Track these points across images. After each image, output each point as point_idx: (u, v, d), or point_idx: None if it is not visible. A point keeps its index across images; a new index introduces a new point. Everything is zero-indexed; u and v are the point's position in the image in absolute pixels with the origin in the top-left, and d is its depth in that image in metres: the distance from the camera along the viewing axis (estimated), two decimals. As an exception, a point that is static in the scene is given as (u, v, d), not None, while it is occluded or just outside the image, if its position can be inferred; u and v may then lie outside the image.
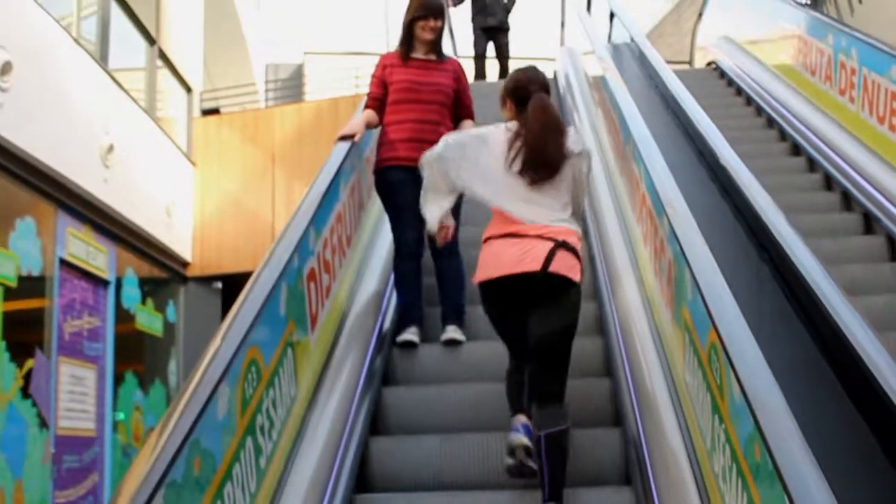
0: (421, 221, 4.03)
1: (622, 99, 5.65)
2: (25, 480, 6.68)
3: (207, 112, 12.28)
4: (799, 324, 3.58)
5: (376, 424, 4.22)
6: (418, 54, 4.85)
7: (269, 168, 11.38)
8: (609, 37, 11.44)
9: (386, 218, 5.11)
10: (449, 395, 4.32)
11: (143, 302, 9.68)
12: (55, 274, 7.50)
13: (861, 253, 5.45)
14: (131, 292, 9.34)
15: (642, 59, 8.53)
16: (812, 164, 6.89)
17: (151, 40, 10.50)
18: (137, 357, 9.60)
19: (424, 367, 4.67)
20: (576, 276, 3.46)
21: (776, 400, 2.38)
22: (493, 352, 4.33)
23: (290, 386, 3.41)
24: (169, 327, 10.46)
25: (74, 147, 7.87)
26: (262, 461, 2.97)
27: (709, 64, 10.70)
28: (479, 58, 11.37)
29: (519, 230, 3.49)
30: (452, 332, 4.69)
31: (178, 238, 10.66)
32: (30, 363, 6.98)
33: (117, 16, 9.42)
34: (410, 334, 4.70)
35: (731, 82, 9.54)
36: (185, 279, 11.04)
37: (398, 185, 4.68)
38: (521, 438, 3.51)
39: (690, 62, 12.60)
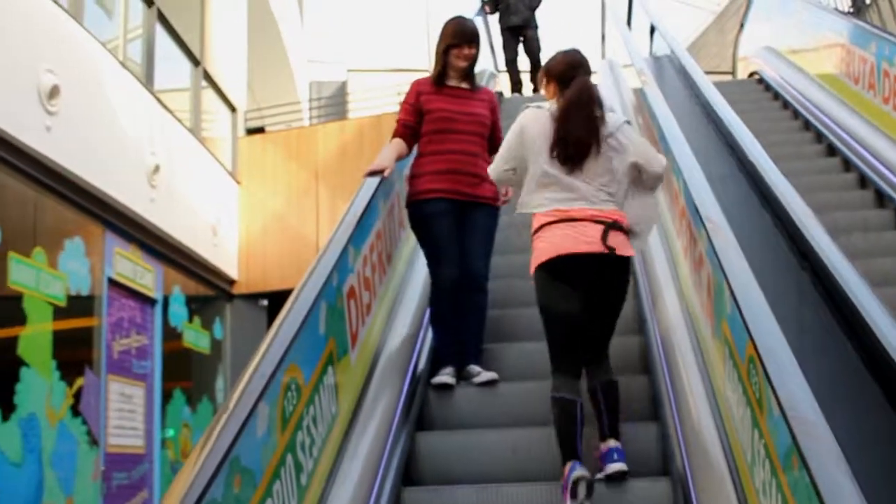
0: (462, 256, 4.13)
1: (660, 111, 5.64)
2: (76, 497, 6.78)
3: (252, 131, 12.43)
4: (841, 334, 3.55)
5: (409, 471, 3.99)
6: (452, 82, 4.69)
7: (312, 185, 11.48)
8: (650, 49, 11.41)
9: (419, 253, 4.96)
10: (486, 441, 4.06)
11: (190, 320, 9.79)
12: (103, 293, 7.62)
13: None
14: (178, 310, 9.45)
15: (683, 72, 8.50)
16: (862, 179, 6.70)
17: (196, 61, 10.65)
18: (185, 374, 9.71)
19: (460, 410, 4.39)
20: (629, 252, 3.69)
21: (813, 413, 2.37)
22: (529, 394, 4.23)
23: (331, 403, 3.44)
24: (216, 345, 10.57)
25: (121, 168, 8.00)
26: (303, 478, 3.00)
27: (751, 74, 10.62)
28: (511, 63, 11.28)
29: (571, 215, 3.64)
30: (485, 373, 4.44)
31: (224, 256, 10.77)
32: (79, 381, 7.09)
33: (162, 38, 9.57)
34: (446, 376, 4.43)
35: (773, 92, 9.46)
36: (231, 297, 11.15)
37: (438, 218, 4.50)
38: (582, 472, 3.39)
39: (733, 73, 12.51)
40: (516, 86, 11.24)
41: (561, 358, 3.66)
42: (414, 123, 4.63)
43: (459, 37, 4.63)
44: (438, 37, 4.68)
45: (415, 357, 4.57)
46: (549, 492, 3.63)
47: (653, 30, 11.28)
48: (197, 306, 10.09)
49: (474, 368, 4.48)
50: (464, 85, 4.70)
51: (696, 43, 20.91)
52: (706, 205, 3.99)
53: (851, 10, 10.81)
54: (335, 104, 18.97)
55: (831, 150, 7.47)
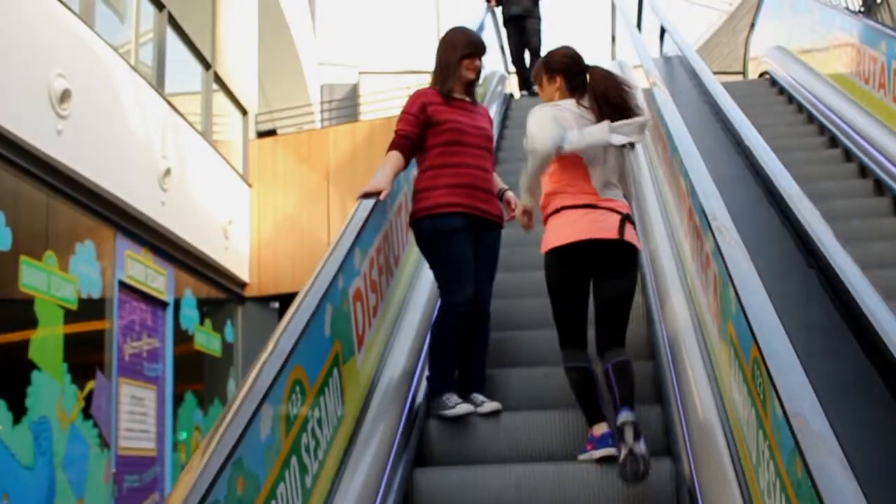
0: (476, 275, 4.16)
1: (668, 112, 5.64)
2: (87, 500, 6.81)
3: (264, 134, 12.45)
4: (849, 333, 3.54)
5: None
6: (456, 94, 4.44)
7: (323, 188, 11.50)
8: (661, 50, 11.38)
9: (424, 270, 4.83)
10: (489, 478, 3.80)
11: (202, 322, 9.82)
12: (115, 296, 7.66)
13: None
14: (189, 313, 9.49)
15: (693, 72, 8.48)
16: (876, 182, 6.61)
17: (207, 65, 10.68)
18: (196, 377, 9.75)
19: (462, 443, 4.13)
20: (640, 244, 3.92)
21: (815, 415, 2.36)
22: (534, 424, 4.09)
23: (337, 406, 3.44)
24: (227, 347, 10.60)
25: (132, 171, 8.04)
26: (308, 480, 3.00)
27: (762, 74, 10.59)
28: (517, 60, 10.85)
29: (591, 201, 3.78)
30: (489, 403, 4.19)
31: (236, 259, 10.81)
32: (91, 384, 7.13)
33: (173, 42, 9.61)
34: (462, 406, 4.13)
35: (783, 92, 9.43)
36: (242, 299, 11.19)
37: (458, 233, 4.20)
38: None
39: (744, 73, 12.48)
40: (525, 83, 10.82)
41: (568, 334, 3.88)
42: (416, 136, 4.33)
43: (472, 47, 4.41)
44: (443, 47, 4.45)
45: (413, 388, 4.33)
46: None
47: (663, 31, 11.25)
48: (208, 309, 10.12)
49: (478, 398, 4.23)
50: (466, 98, 4.48)
51: (708, 43, 20.86)
52: (713, 205, 3.99)
53: (862, 9, 10.76)
54: (346, 106, 18.99)
55: (834, 143, 7.46)
